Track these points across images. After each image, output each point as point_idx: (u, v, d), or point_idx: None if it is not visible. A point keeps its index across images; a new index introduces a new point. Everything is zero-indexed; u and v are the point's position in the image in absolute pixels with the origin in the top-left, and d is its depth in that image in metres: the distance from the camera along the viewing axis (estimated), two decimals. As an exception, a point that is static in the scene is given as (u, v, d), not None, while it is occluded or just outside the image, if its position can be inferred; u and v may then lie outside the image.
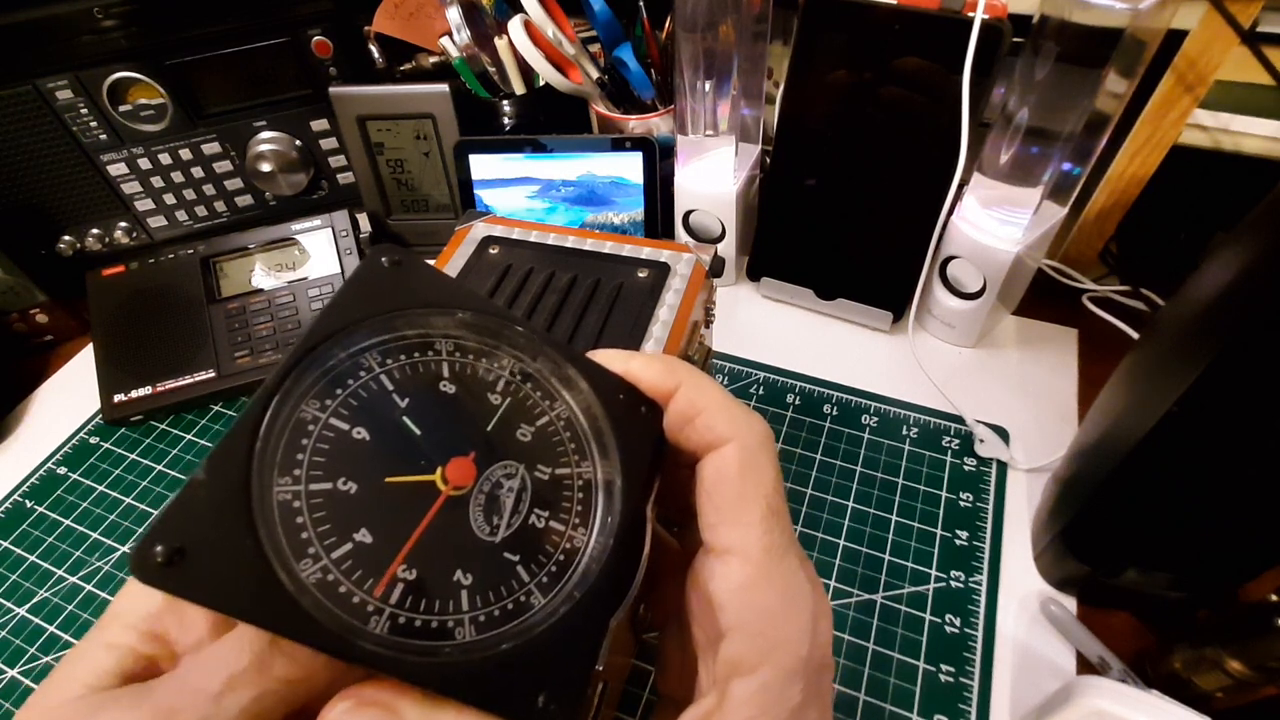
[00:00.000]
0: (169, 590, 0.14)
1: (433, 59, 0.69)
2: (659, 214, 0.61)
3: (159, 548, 0.14)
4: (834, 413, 0.54)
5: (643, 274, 0.34)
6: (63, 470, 0.55)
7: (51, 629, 0.46)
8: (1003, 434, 0.51)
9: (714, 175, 0.58)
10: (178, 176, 0.65)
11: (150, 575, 0.14)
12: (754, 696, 0.17)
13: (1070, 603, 0.42)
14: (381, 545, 0.17)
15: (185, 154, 0.64)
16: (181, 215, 0.68)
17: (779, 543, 0.18)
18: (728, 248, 0.62)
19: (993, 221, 0.51)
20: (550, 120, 0.66)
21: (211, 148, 0.65)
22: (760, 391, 0.56)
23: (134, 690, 0.16)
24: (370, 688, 0.16)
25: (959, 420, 0.52)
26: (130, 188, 0.65)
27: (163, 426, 0.57)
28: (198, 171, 0.66)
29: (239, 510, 0.15)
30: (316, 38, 0.61)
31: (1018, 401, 0.53)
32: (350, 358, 0.18)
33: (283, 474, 0.16)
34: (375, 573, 0.16)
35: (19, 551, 0.50)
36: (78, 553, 0.50)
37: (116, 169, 0.63)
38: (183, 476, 0.54)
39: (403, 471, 0.17)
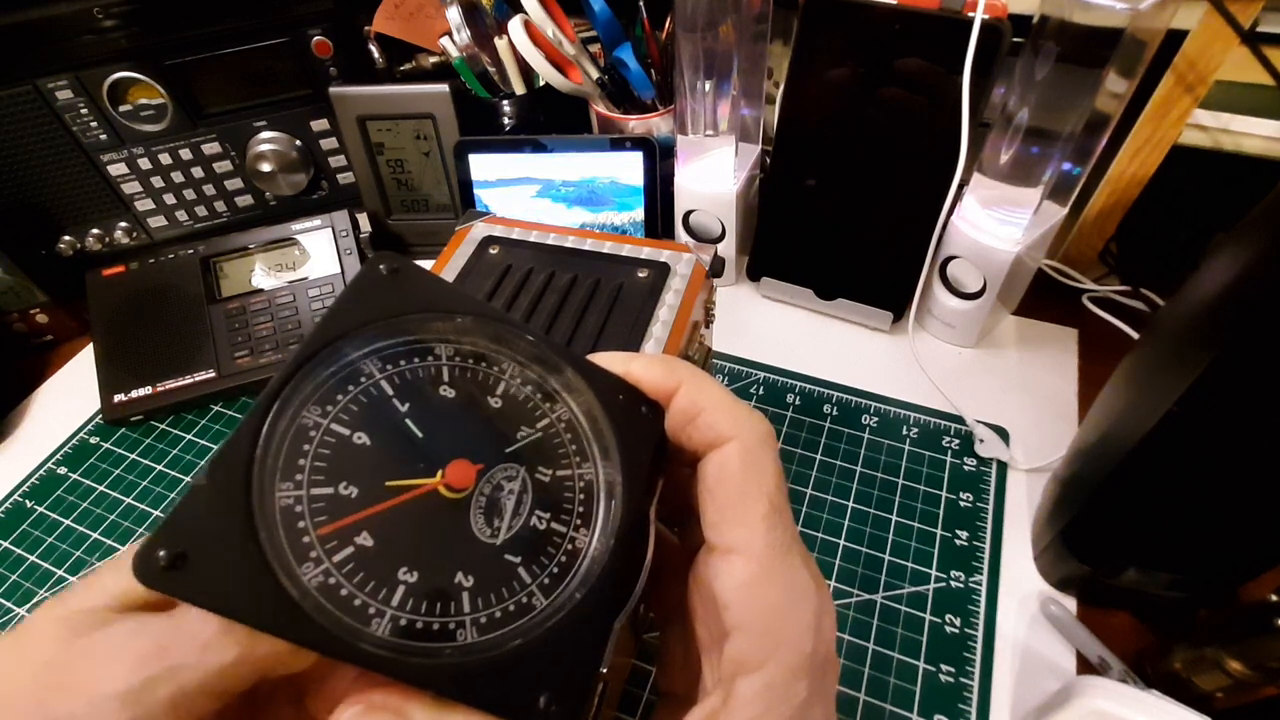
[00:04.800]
0: (171, 593, 0.14)
1: (433, 59, 0.69)
2: (659, 214, 0.61)
3: (162, 552, 0.14)
4: (834, 413, 0.54)
5: (643, 274, 0.34)
6: (63, 470, 0.55)
7: (52, 629, 0.46)
8: (1003, 434, 0.51)
9: (714, 175, 0.58)
10: (178, 176, 0.65)
11: (153, 578, 0.14)
12: (759, 694, 0.17)
13: (1070, 603, 0.42)
14: (382, 549, 0.17)
15: (185, 154, 0.64)
16: (181, 215, 0.68)
17: (782, 540, 0.18)
18: (728, 248, 0.62)
19: (993, 221, 0.51)
20: (550, 120, 0.66)
21: (211, 148, 0.65)
22: (760, 391, 0.56)
23: (139, 619, 0.16)
24: (379, 692, 0.16)
25: (959, 420, 0.52)
26: (130, 188, 0.65)
27: (163, 426, 0.58)
28: (198, 171, 0.66)
29: (240, 515, 0.15)
30: (316, 38, 0.61)
31: (1018, 401, 0.53)
32: (350, 364, 0.18)
33: (284, 479, 0.16)
34: (376, 574, 0.16)
35: (19, 551, 0.50)
36: (78, 553, 0.50)
37: (116, 169, 0.63)
38: (183, 476, 0.54)
39: (403, 475, 0.17)
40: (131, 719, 0.14)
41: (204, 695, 0.15)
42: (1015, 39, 0.45)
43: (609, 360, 0.21)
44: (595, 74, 0.60)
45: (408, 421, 0.18)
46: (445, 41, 0.62)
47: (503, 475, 0.19)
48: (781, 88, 0.54)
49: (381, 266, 0.19)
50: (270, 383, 0.17)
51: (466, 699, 0.16)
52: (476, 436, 0.19)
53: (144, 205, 0.66)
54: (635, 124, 0.61)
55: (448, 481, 0.18)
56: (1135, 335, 0.56)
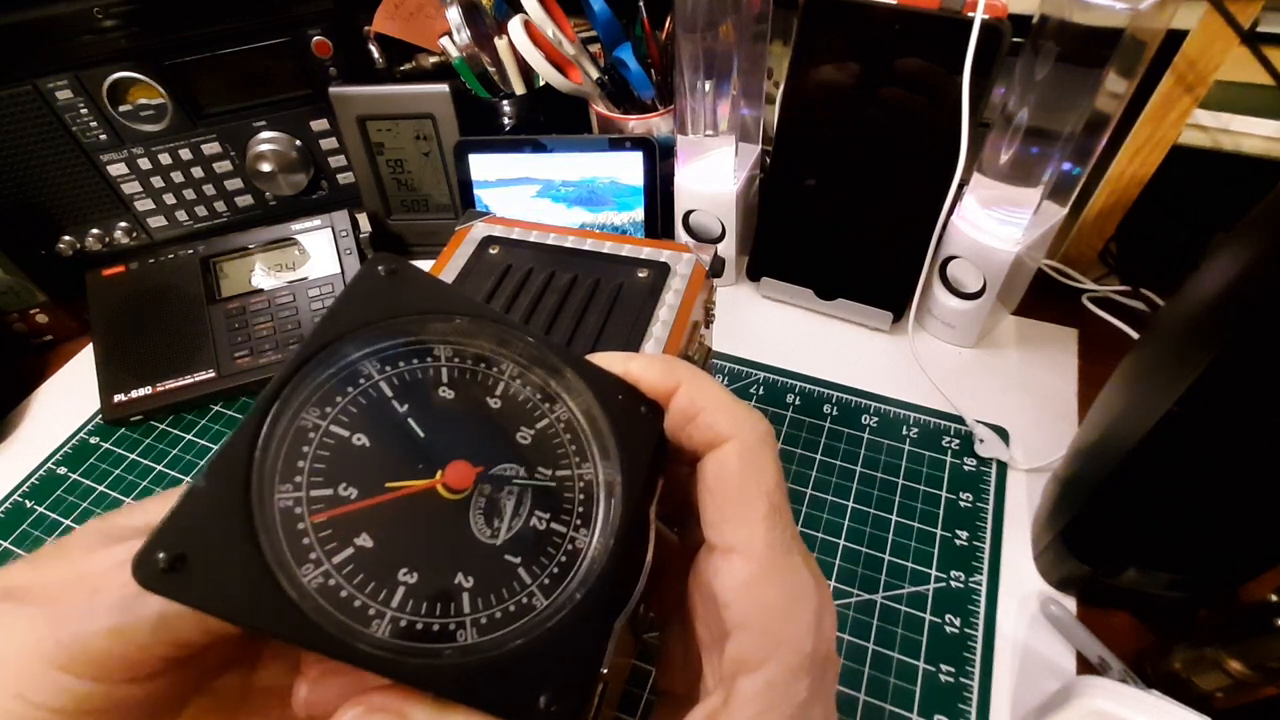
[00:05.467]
0: (170, 596, 0.14)
1: (433, 59, 0.69)
2: (659, 214, 0.61)
3: (161, 554, 0.14)
4: (834, 413, 0.54)
5: (643, 274, 0.34)
6: (63, 470, 0.55)
7: (52, 629, 0.46)
8: (1003, 434, 0.51)
9: (714, 175, 0.58)
10: (178, 176, 0.65)
11: (152, 581, 0.14)
12: (760, 693, 0.17)
13: (1070, 603, 0.42)
14: (382, 550, 0.17)
15: (185, 154, 0.64)
16: (181, 215, 0.68)
17: (781, 539, 0.18)
18: (728, 248, 0.62)
19: (993, 221, 0.51)
20: (550, 120, 0.66)
21: (211, 148, 0.65)
22: (760, 391, 0.56)
23: None
24: (380, 694, 0.16)
25: (959, 420, 0.52)
26: (130, 188, 0.65)
27: (163, 426, 0.57)
28: (198, 171, 0.66)
29: (240, 517, 0.15)
30: (316, 38, 0.61)
31: (1018, 401, 0.53)
32: (349, 365, 0.18)
33: (284, 481, 0.16)
34: (375, 576, 0.16)
35: (19, 552, 0.50)
36: (78, 553, 0.50)
37: (116, 169, 0.63)
38: (183, 476, 0.54)
39: (403, 476, 0.17)
40: (120, 622, 0.16)
41: (189, 624, 0.16)
42: (1015, 39, 0.45)
43: (608, 360, 0.21)
44: (595, 74, 0.60)
45: (409, 422, 0.18)
46: (445, 41, 0.62)
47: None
48: (781, 88, 0.54)
49: (380, 268, 0.19)
50: (270, 384, 0.17)
51: (467, 699, 0.16)
52: (476, 437, 0.19)
53: (144, 205, 0.66)
54: (635, 124, 0.61)
55: (446, 482, 0.18)
56: (1135, 335, 0.56)
